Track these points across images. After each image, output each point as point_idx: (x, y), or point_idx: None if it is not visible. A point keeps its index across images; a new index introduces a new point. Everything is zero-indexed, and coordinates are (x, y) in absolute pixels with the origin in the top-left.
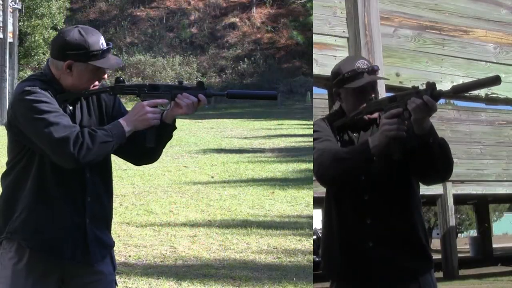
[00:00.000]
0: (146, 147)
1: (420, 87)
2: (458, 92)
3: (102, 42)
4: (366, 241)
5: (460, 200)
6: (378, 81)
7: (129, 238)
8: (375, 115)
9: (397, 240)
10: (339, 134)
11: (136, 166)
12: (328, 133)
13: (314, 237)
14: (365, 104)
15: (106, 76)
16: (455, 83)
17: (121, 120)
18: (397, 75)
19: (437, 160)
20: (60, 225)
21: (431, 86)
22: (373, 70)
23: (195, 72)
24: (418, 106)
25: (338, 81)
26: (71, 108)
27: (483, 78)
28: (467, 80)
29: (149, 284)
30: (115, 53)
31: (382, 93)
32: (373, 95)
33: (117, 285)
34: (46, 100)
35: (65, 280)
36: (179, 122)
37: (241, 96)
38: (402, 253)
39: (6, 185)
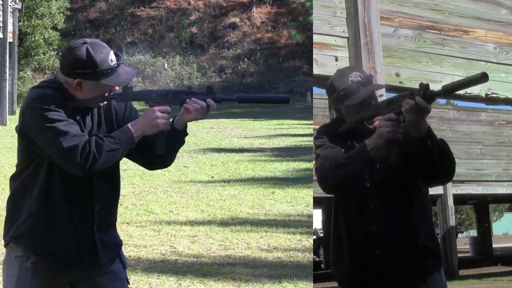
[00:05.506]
0: (156, 153)
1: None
2: (448, 91)
3: (111, 59)
4: (373, 248)
5: (460, 200)
6: (378, 82)
7: (129, 238)
8: (377, 123)
9: (404, 245)
10: (342, 142)
11: (136, 166)
12: (331, 140)
13: (314, 237)
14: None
15: (117, 88)
16: None
17: (130, 125)
18: (397, 75)
19: (437, 162)
20: (66, 233)
21: (424, 87)
22: (367, 81)
23: (195, 72)
24: (411, 107)
25: (335, 98)
26: (79, 117)
27: (471, 76)
28: None
29: (149, 284)
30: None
31: (383, 93)
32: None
33: (129, 283)
34: (57, 109)
35: (75, 281)
36: None
37: (252, 100)
38: (410, 257)
39: (15, 188)
